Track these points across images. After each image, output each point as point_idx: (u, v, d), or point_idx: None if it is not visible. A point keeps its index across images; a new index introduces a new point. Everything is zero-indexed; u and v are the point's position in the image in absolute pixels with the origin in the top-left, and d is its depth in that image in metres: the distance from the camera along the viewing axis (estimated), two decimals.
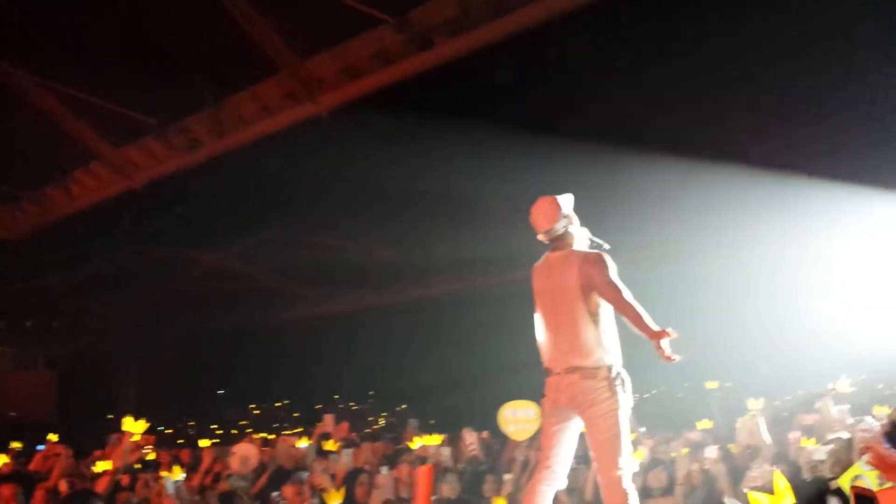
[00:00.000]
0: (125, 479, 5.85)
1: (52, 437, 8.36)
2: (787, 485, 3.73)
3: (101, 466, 6.64)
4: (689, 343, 4.04)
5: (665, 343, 3.98)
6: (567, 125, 10.28)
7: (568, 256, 4.38)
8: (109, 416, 16.66)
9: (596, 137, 10.07)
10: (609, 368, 4.21)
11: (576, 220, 4.52)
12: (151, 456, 7.12)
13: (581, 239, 4.52)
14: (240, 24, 9.30)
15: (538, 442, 7.31)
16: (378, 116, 10.11)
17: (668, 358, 3.97)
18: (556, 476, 4.32)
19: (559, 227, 4.42)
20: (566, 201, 4.49)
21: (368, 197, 13.34)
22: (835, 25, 9.13)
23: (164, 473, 5.32)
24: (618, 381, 4.19)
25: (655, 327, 4.02)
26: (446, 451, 7.25)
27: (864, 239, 11.17)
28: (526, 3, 8.54)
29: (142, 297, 16.95)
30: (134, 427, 5.54)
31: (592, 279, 4.23)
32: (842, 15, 9.00)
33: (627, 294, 4.16)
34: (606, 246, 4.49)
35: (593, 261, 4.28)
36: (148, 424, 5.98)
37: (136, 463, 6.50)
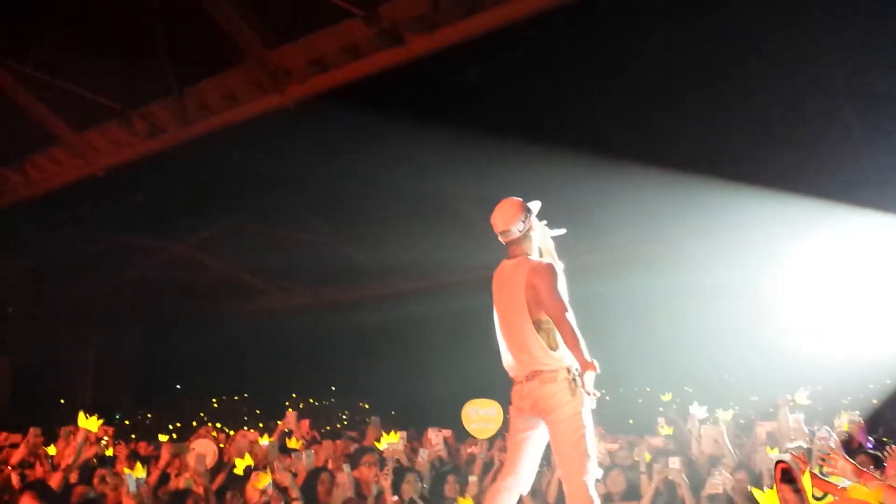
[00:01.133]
0: (79, 475, 5.71)
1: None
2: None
3: (52, 450, 6.50)
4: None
5: (589, 377, 3.99)
6: (536, 127, 10.28)
7: (520, 264, 4.35)
8: (62, 401, 16.37)
9: (565, 140, 10.09)
10: (568, 370, 4.19)
11: (538, 227, 4.47)
12: (109, 452, 6.96)
13: (542, 248, 4.48)
14: (208, 11, 9.14)
15: (499, 441, 7.33)
16: (345, 111, 10.00)
17: (587, 392, 4.01)
18: (519, 482, 4.32)
19: (515, 230, 4.36)
20: (530, 207, 4.43)
21: (333, 192, 13.23)
22: (796, 38, 9.25)
23: (126, 470, 5.19)
24: (578, 383, 4.16)
25: (587, 357, 4.03)
26: (410, 450, 7.20)
27: (825, 252, 11.35)
28: (497, 3, 8.50)
29: (100, 285, 16.63)
30: (88, 424, 5.39)
31: (538, 290, 4.20)
32: (799, 25, 9.13)
33: (569, 313, 4.15)
34: (561, 231, 4.49)
35: (540, 271, 4.26)
36: (102, 421, 5.84)
37: (92, 458, 6.35)
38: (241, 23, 9.31)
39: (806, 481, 3.60)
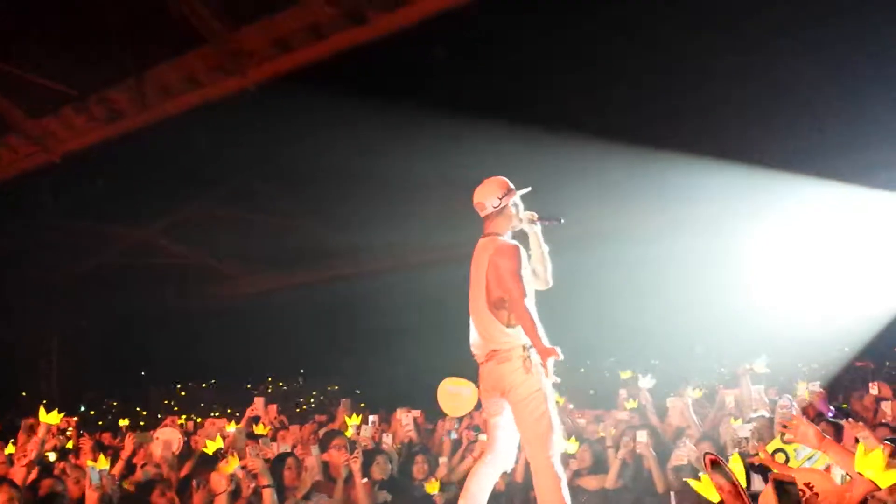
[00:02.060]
0: (38, 469, 5.63)
1: None
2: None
3: (10, 450, 6.41)
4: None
5: (550, 363, 4.00)
6: (501, 104, 10.28)
7: (488, 243, 4.37)
8: (23, 394, 16.14)
9: (529, 117, 10.09)
10: (523, 348, 4.18)
11: (514, 211, 4.44)
12: (69, 445, 6.87)
13: (513, 231, 4.46)
14: None
15: (468, 420, 7.36)
16: (309, 92, 9.90)
17: (547, 376, 4.01)
18: (499, 460, 4.34)
19: (488, 205, 4.37)
20: (512, 188, 4.41)
21: (299, 174, 13.13)
22: (756, 10, 9.32)
23: (88, 462, 5.13)
24: (534, 361, 4.15)
25: (546, 343, 4.02)
26: (379, 433, 7.20)
27: (787, 223, 11.51)
28: None
29: (63, 274, 16.38)
30: (48, 418, 5.32)
31: (498, 269, 4.21)
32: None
33: (528, 298, 4.15)
34: (562, 220, 4.49)
35: (504, 251, 4.26)
36: (63, 414, 5.77)
37: (53, 451, 6.28)
38: (200, 4, 9.15)
39: (734, 467, 3.70)
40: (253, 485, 5.19)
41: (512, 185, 4.44)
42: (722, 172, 10.60)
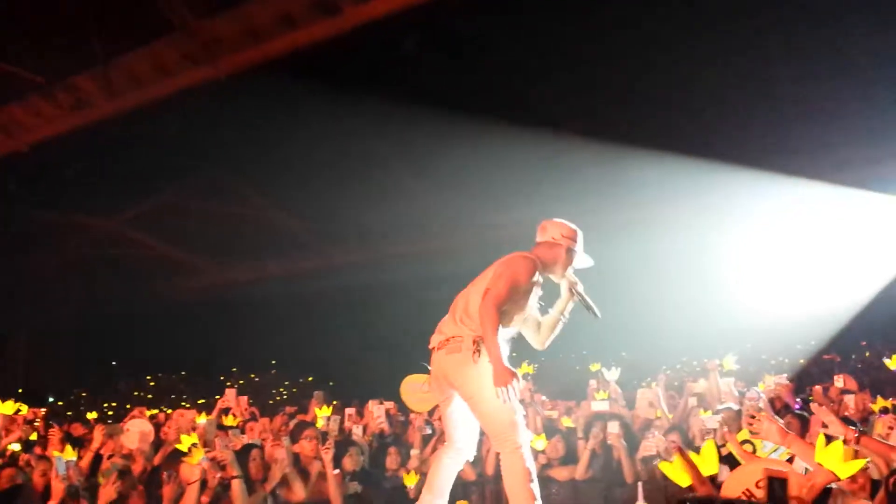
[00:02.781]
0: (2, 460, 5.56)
1: None
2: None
3: None
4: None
5: (500, 382, 3.82)
6: (478, 98, 10.26)
7: (516, 252, 4.27)
8: None
9: (507, 112, 10.10)
10: (470, 338, 4.04)
11: (564, 257, 4.30)
12: (33, 436, 6.76)
13: (548, 275, 4.34)
14: None
15: (438, 411, 7.36)
16: (282, 82, 9.82)
17: (498, 396, 3.84)
18: (460, 451, 4.28)
19: (548, 235, 4.31)
20: (576, 241, 4.33)
21: (270, 165, 13.04)
22: (741, 12, 9.39)
23: (55, 452, 5.05)
24: (483, 353, 3.98)
25: (504, 363, 3.86)
26: (349, 425, 7.19)
27: (754, 219, 11.65)
28: None
29: (30, 264, 16.13)
30: (3, 408, 5.21)
31: (502, 269, 4.12)
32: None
33: (502, 309, 3.98)
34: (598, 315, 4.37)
35: (518, 260, 4.16)
36: (19, 405, 5.66)
37: (18, 442, 6.18)
38: None
39: (707, 453, 3.81)
40: (219, 475, 5.15)
41: (580, 241, 4.37)
42: (690, 170, 10.69)
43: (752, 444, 4.45)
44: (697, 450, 4.03)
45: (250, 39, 9.53)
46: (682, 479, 3.78)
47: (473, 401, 4.05)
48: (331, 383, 12.65)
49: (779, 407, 6.21)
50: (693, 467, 3.75)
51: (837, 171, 11.08)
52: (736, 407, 6.02)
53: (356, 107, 10.26)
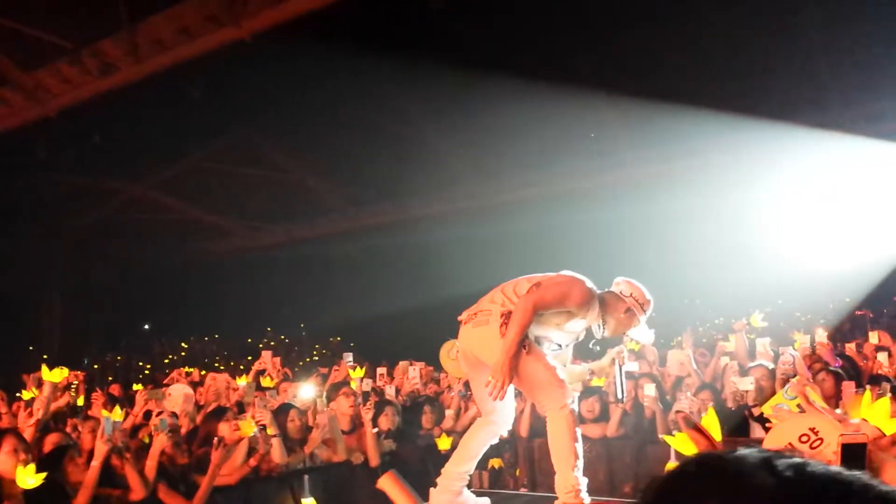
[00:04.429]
0: (52, 425, 5.69)
1: None
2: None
3: (26, 395, 6.45)
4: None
5: (497, 373, 3.80)
6: (502, 56, 10.13)
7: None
8: (31, 348, 16.24)
9: (529, 71, 9.96)
10: (499, 311, 3.97)
11: (624, 316, 4.13)
12: (80, 401, 6.92)
13: (605, 327, 4.18)
14: None
15: None
16: (307, 42, 9.73)
17: (491, 393, 3.83)
18: (494, 424, 4.26)
19: (621, 290, 4.15)
20: (642, 309, 4.14)
21: (297, 127, 13.01)
22: None
23: (103, 412, 5.16)
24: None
25: (513, 358, 3.81)
26: (379, 384, 7.27)
27: (785, 175, 11.45)
28: None
29: (61, 228, 16.34)
30: (51, 376, 5.31)
31: (559, 276, 4.05)
32: None
33: (536, 309, 3.88)
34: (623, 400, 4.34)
35: (577, 280, 4.05)
36: (66, 371, 5.76)
37: (64, 407, 6.33)
38: None
39: (709, 422, 3.73)
40: (268, 440, 5.26)
41: (647, 311, 4.18)
42: (723, 124, 10.51)
43: (786, 407, 4.42)
44: (730, 411, 4.00)
45: None
46: (688, 448, 3.71)
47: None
48: (353, 344, 12.73)
49: (818, 367, 6.12)
50: (705, 437, 3.69)
51: (874, 124, 10.86)
52: (770, 366, 5.98)
53: (382, 65, 10.16)
